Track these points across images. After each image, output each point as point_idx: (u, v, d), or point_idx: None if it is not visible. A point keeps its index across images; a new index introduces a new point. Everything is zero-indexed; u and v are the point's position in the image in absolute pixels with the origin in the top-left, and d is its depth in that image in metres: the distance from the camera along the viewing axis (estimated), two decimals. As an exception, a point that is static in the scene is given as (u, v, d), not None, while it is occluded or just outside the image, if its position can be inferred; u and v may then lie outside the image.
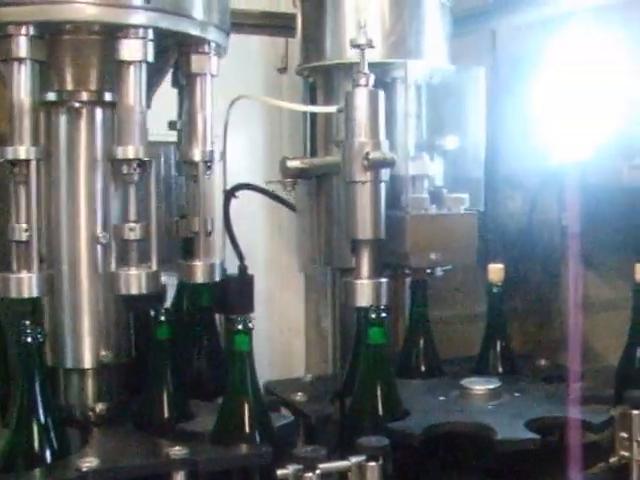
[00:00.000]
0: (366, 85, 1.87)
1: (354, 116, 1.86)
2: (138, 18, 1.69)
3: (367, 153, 1.84)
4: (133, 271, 1.76)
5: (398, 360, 2.18)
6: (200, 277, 1.95)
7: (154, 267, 1.78)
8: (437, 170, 2.12)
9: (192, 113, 1.93)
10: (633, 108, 2.27)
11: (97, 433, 1.78)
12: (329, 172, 2.14)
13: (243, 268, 2.24)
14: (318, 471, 1.52)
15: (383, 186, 1.89)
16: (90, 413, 1.85)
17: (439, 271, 2.13)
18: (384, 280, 1.92)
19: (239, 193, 2.36)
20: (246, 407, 1.69)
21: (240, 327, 1.69)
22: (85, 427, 1.81)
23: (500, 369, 2.17)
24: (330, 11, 2.14)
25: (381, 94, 1.90)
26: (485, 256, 2.54)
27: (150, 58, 1.73)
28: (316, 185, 2.23)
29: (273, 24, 2.44)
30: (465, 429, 1.81)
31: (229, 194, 2.25)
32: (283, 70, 2.40)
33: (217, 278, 1.98)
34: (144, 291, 1.77)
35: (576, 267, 2.01)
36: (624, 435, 1.86)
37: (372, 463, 1.56)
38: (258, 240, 2.67)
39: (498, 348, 2.19)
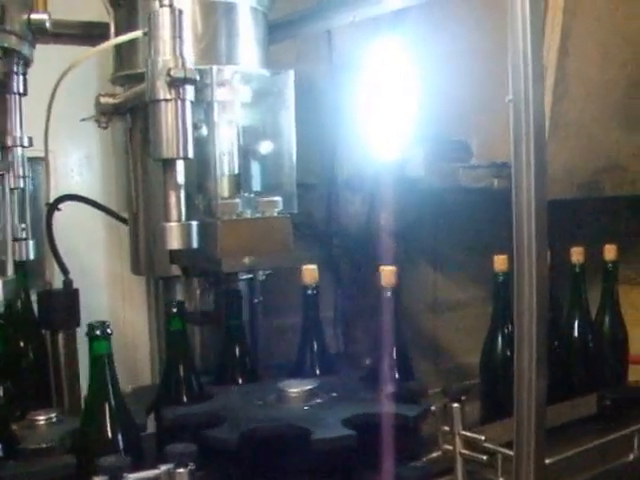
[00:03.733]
0: (170, 5, 1.80)
1: (158, 35, 1.80)
2: None
3: (169, 70, 1.78)
4: None
5: (215, 369, 2.18)
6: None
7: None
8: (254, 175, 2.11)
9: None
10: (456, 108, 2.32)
11: None
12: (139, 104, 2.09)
13: (68, 282, 2.22)
14: (127, 481, 1.50)
15: (189, 105, 1.82)
16: None
17: (261, 275, 2.12)
18: (194, 223, 1.84)
19: (77, 207, 2.34)
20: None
21: (98, 333, 1.70)
22: None
23: (318, 371, 2.15)
24: (142, 16, 2.11)
25: (184, 14, 1.84)
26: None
27: None
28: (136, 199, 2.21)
29: (96, 34, 2.39)
30: (281, 431, 1.81)
31: (52, 207, 2.23)
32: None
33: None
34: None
35: (387, 264, 2.01)
36: (446, 429, 1.88)
37: (181, 469, 1.55)
38: (100, 254, 2.64)
39: (315, 350, 2.17)
